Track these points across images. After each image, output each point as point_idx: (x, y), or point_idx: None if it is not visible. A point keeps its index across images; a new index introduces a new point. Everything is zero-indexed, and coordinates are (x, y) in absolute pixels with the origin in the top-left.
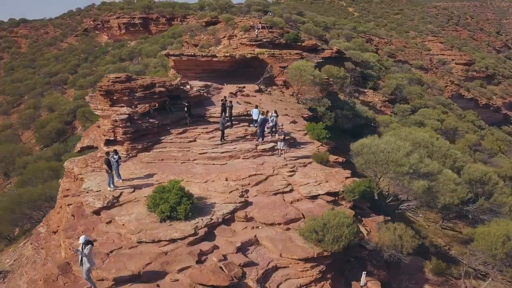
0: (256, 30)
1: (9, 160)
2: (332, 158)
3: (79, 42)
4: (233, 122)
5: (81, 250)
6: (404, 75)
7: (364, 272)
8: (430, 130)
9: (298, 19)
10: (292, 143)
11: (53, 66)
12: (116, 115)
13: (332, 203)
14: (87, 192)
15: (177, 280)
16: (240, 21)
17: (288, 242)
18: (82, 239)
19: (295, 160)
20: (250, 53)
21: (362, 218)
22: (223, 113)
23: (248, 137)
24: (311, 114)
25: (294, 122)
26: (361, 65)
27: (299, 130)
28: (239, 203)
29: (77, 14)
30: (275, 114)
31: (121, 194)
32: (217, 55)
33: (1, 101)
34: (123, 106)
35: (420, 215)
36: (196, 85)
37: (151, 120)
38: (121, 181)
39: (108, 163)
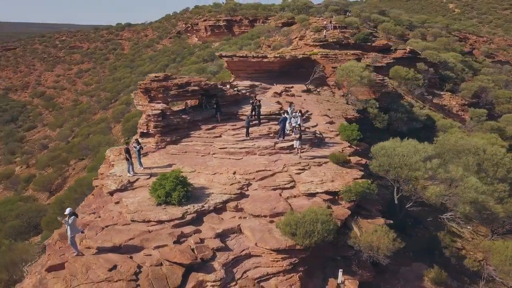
0: (325, 31)
1: (97, 149)
2: (354, 159)
3: (172, 44)
4: (261, 121)
5: (66, 220)
6: (498, 77)
7: (340, 270)
8: (496, 137)
9: (377, 18)
10: (318, 143)
11: (147, 66)
12: (150, 111)
13: (329, 202)
14: (111, 176)
15: (150, 255)
16: (315, 22)
17: (266, 233)
18: (67, 210)
19: (311, 159)
20: (302, 54)
21: (359, 219)
22: (252, 112)
23: (271, 135)
24: (357, 115)
25: (331, 122)
26: (438, 66)
27: (332, 130)
28: (234, 194)
29: (173, 18)
30: (299, 114)
31: (137, 179)
32: (268, 56)
33: (102, 97)
34: (159, 103)
35: (468, 227)
36: (243, 85)
37: (183, 116)
38: (142, 168)
39: (127, 151)
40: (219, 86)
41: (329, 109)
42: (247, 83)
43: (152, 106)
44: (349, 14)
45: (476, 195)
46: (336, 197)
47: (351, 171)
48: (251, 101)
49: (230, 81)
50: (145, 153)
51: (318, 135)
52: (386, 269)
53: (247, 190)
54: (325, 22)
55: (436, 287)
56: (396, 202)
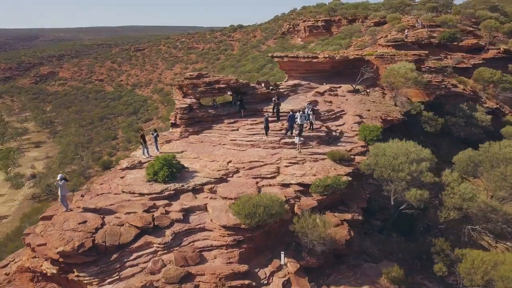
0: (406, 31)
1: None
2: (359, 158)
3: (276, 45)
4: (280, 118)
5: (58, 183)
6: None
7: (282, 252)
8: None
9: (484, 15)
10: (329, 141)
11: (248, 66)
12: (179, 104)
13: (300, 193)
14: (130, 157)
15: (119, 218)
16: (407, 21)
17: (223, 212)
18: (59, 176)
19: (310, 155)
20: (356, 55)
21: (326, 212)
22: (273, 109)
23: (283, 131)
24: (401, 117)
25: (359, 122)
26: None
27: (354, 130)
28: (215, 179)
29: (281, 19)
30: (311, 112)
31: (148, 161)
32: (318, 56)
33: None
34: (191, 98)
35: (508, 243)
36: (286, 84)
37: (209, 110)
38: (158, 152)
39: (142, 137)
40: (251, 85)
41: (369, 110)
42: (292, 82)
43: (183, 100)
44: (449, 11)
45: (460, 201)
46: (309, 189)
47: (341, 168)
48: (273, 99)
49: (285, 80)
50: (169, 141)
51: (335, 134)
52: (346, 261)
53: (232, 176)
54: (414, 21)
55: (390, 285)
56: (392, 203)
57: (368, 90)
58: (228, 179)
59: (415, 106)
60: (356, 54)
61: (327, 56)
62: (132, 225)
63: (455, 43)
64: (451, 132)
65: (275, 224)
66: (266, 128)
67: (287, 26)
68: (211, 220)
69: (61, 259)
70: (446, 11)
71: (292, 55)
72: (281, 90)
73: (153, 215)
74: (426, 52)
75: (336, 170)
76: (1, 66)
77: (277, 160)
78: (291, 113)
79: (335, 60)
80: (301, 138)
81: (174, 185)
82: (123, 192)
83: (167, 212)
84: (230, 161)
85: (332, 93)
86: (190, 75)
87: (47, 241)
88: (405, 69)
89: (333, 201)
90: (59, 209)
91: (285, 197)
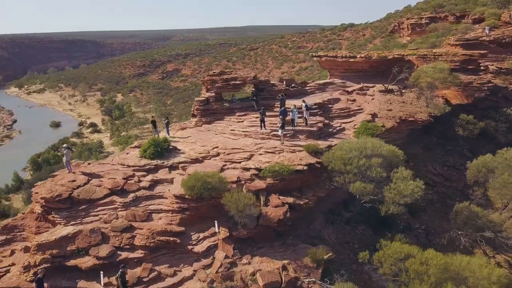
0: (487, 29)
1: None
2: None
3: (381, 43)
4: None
5: (63, 151)
6: None
7: (216, 221)
8: None
9: None
10: (321, 135)
11: None
12: (197, 98)
13: (255, 176)
14: (142, 139)
15: (102, 181)
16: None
17: (180, 185)
18: (64, 145)
19: (291, 146)
20: (395, 55)
21: (273, 194)
22: (281, 105)
23: (279, 124)
24: (426, 119)
25: (369, 121)
26: None
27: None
28: (191, 159)
29: (392, 17)
30: (305, 108)
31: None
32: (356, 56)
33: None
34: (212, 92)
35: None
36: (316, 83)
37: (225, 104)
38: (168, 136)
39: (153, 123)
40: (271, 82)
41: (390, 110)
42: (323, 81)
43: (203, 94)
44: None
45: (399, 197)
46: (260, 173)
47: (310, 158)
48: (278, 95)
49: (328, 79)
50: (184, 128)
51: (332, 130)
52: (284, 239)
53: (209, 159)
54: (507, 17)
55: (311, 263)
56: (357, 197)
57: (404, 91)
58: (205, 161)
59: (440, 108)
60: (398, 54)
61: (364, 56)
62: (105, 187)
63: None
64: (494, 137)
65: (219, 199)
66: (262, 121)
67: (393, 24)
68: (169, 190)
69: (44, 204)
70: None
71: (331, 55)
72: (306, 88)
73: (125, 181)
74: (483, 52)
75: (302, 160)
76: (137, 63)
77: (257, 149)
78: (282, 108)
79: (373, 60)
80: (284, 131)
81: (157, 161)
82: (118, 163)
83: (139, 181)
84: (216, 147)
85: (361, 92)
86: (214, 72)
87: (39, 190)
88: (431, 69)
89: (288, 187)
90: (65, 171)
91: (237, 178)
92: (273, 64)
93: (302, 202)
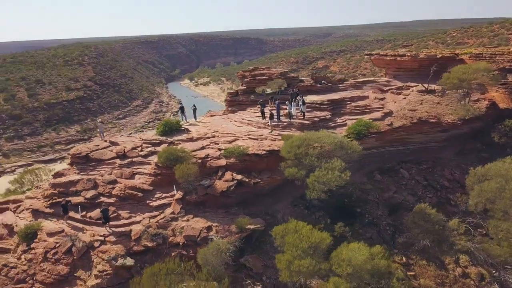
0: None
1: None
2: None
3: None
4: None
5: (98, 124)
6: None
7: (174, 186)
8: None
9: None
10: (315, 129)
11: None
12: (230, 91)
13: (223, 156)
14: None
15: (116, 147)
16: None
17: None
18: (99, 119)
19: (277, 136)
20: (444, 54)
21: (229, 171)
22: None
23: (282, 116)
24: (452, 122)
25: (375, 119)
26: None
27: None
28: (187, 138)
29: None
30: (301, 102)
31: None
32: (405, 55)
33: None
34: (244, 86)
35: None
36: (355, 80)
37: (251, 96)
38: (195, 120)
39: (181, 109)
40: (300, 78)
41: (414, 110)
42: (362, 79)
43: (235, 88)
44: None
45: (317, 185)
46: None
47: (276, 146)
48: (290, 90)
49: (384, 78)
50: (213, 115)
51: (329, 124)
52: (229, 208)
53: (202, 139)
54: None
55: (234, 229)
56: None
57: (447, 92)
58: (198, 141)
59: (470, 112)
60: (450, 53)
61: (410, 55)
62: (113, 151)
63: None
64: None
65: None
66: (262, 112)
67: None
68: (154, 160)
69: (71, 158)
70: None
71: (382, 53)
72: (339, 85)
73: (130, 149)
74: None
75: (270, 147)
76: (291, 59)
77: (245, 135)
78: (277, 102)
79: (420, 59)
80: (273, 122)
81: (163, 138)
82: (137, 137)
83: (141, 150)
84: (216, 131)
85: (396, 91)
86: (248, 68)
87: (73, 149)
88: (460, 70)
89: (249, 168)
90: (100, 139)
91: (206, 155)
92: None
93: (248, 180)
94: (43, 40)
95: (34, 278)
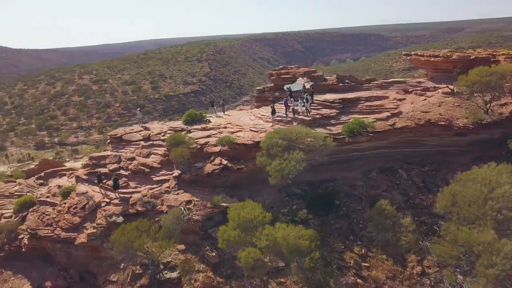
0: None
1: None
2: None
3: None
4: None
5: (138, 112)
6: None
7: (174, 165)
8: None
9: None
10: (315, 125)
11: None
12: (258, 87)
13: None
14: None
15: (146, 131)
16: None
17: None
18: (138, 108)
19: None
20: (478, 55)
21: (219, 156)
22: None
23: (289, 113)
24: (463, 125)
25: (379, 119)
26: None
27: None
28: (201, 127)
29: None
30: (305, 100)
31: (212, 117)
32: (439, 55)
33: None
34: (271, 83)
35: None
36: (384, 80)
37: (276, 94)
38: (223, 114)
39: (211, 103)
40: (323, 77)
41: (427, 112)
42: (391, 80)
43: (263, 85)
44: None
45: (273, 171)
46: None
47: None
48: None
49: (417, 79)
50: (242, 109)
51: (328, 121)
52: (214, 187)
53: (214, 130)
54: None
55: (210, 204)
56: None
57: (476, 94)
58: (208, 130)
59: (478, 116)
60: (487, 54)
61: (442, 55)
62: (141, 135)
63: None
64: None
65: None
66: (272, 108)
67: None
68: None
69: (109, 138)
70: None
71: (419, 54)
72: (364, 85)
73: (155, 134)
74: None
75: (256, 139)
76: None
77: (250, 127)
78: (284, 99)
79: (453, 60)
80: (274, 117)
81: (185, 126)
82: (167, 125)
83: (164, 135)
84: (230, 123)
85: (418, 92)
86: (278, 68)
87: (112, 132)
88: (481, 72)
89: (239, 156)
90: (139, 126)
91: (204, 142)
92: None
93: (231, 165)
94: (174, 38)
95: (58, 224)
